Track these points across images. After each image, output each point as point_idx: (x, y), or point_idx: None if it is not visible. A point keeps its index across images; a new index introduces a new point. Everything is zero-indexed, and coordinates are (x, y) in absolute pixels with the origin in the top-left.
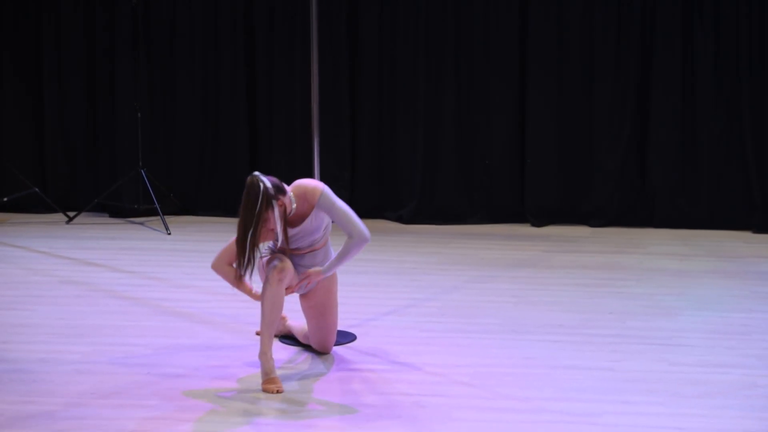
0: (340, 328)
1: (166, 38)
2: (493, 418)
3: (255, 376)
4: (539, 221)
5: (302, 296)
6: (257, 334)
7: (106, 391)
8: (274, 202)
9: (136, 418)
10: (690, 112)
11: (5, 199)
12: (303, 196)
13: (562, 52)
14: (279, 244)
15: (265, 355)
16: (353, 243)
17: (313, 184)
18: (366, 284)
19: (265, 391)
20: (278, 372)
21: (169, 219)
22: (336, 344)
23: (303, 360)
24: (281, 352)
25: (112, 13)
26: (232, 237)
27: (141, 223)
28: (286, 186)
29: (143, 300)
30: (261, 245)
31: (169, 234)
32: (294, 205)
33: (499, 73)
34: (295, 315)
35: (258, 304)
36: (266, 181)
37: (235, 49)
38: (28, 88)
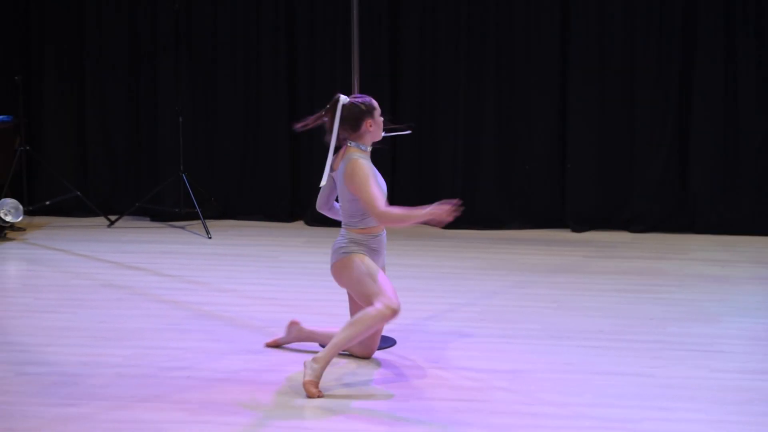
0: None
1: (208, 43)
2: (532, 424)
3: (295, 380)
4: (579, 227)
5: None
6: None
7: (147, 394)
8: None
9: (177, 421)
10: (731, 118)
11: (47, 202)
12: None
13: (603, 58)
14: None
15: (323, 362)
16: None
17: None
18: (406, 289)
19: (307, 391)
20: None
21: (209, 223)
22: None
23: (344, 364)
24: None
25: (154, 18)
26: None
27: (182, 227)
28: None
29: (184, 304)
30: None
31: (210, 238)
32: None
33: (540, 79)
34: (309, 320)
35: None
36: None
37: (276, 54)
38: (71, 93)
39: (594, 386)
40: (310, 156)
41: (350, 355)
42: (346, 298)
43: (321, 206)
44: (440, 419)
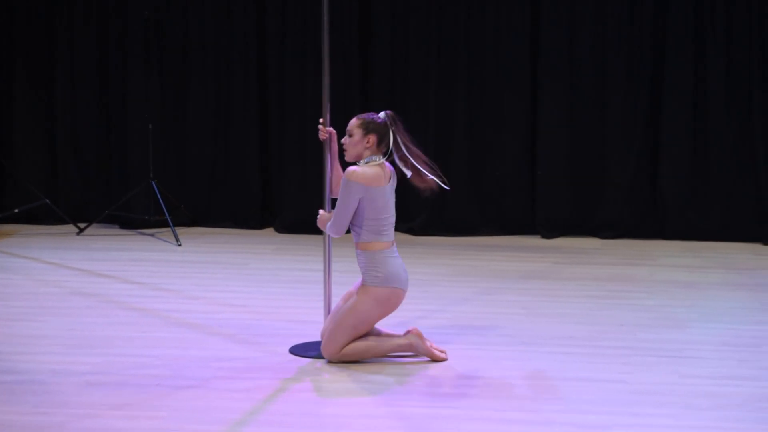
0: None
1: (178, 51)
2: (503, 430)
3: (264, 387)
4: (550, 233)
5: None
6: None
7: (117, 402)
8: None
9: (147, 429)
10: (701, 125)
11: (16, 210)
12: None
13: (573, 64)
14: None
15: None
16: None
17: (351, 168)
18: None
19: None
20: (291, 385)
21: (179, 230)
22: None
23: (315, 370)
24: (291, 363)
25: (124, 25)
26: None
27: (151, 235)
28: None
29: (154, 311)
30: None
31: (180, 245)
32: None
33: (510, 86)
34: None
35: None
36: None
37: (246, 60)
38: (41, 100)
39: (565, 392)
40: (281, 164)
41: (320, 360)
42: (316, 305)
43: (345, 226)
44: (411, 426)
